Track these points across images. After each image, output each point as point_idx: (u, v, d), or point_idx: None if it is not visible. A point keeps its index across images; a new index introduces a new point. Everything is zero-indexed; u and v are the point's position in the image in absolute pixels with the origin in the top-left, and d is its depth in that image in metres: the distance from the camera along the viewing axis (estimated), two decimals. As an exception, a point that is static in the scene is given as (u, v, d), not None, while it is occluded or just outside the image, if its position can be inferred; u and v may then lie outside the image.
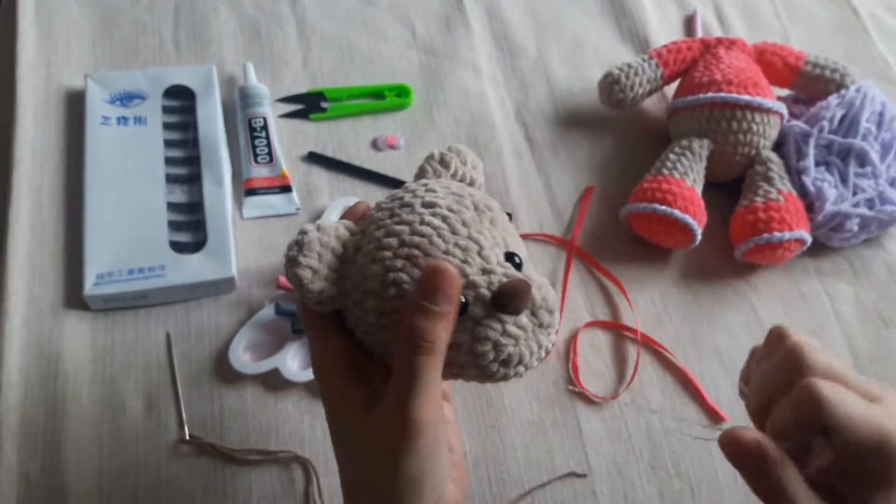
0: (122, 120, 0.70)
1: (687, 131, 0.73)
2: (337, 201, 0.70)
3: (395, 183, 0.72)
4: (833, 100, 0.73)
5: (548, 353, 0.43)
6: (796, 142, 0.72)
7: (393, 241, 0.41)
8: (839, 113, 0.71)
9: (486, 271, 0.41)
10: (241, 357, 0.61)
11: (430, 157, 0.48)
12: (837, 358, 0.40)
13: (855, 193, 0.70)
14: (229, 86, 0.76)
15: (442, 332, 0.40)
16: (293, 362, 0.61)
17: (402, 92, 0.78)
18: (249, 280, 0.66)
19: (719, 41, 0.77)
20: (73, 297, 0.63)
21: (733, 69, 0.72)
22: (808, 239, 0.68)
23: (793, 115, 0.75)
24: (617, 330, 0.67)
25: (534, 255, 0.70)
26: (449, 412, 0.52)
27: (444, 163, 0.47)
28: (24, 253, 0.64)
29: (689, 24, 0.90)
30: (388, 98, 0.77)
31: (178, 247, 0.64)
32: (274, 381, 0.61)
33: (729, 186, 0.73)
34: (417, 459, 0.41)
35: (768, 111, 0.71)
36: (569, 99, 0.81)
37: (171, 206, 0.67)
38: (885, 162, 0.71)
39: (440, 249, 0.41)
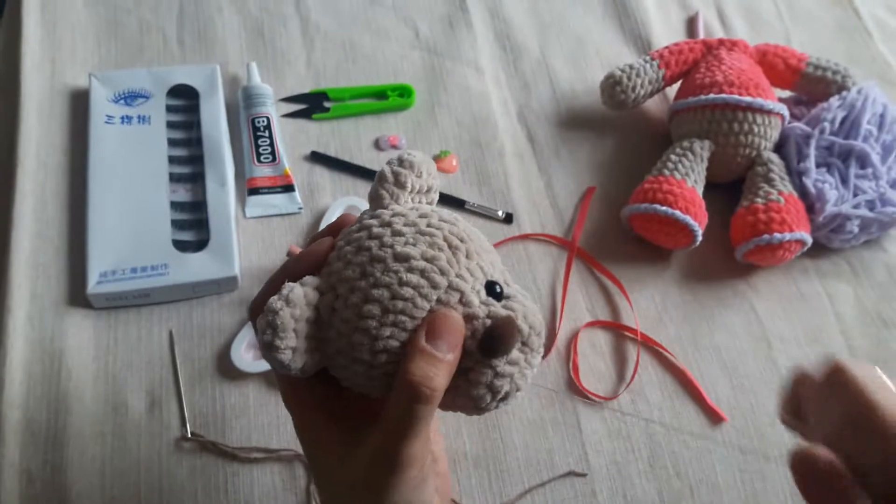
0: (126, 119, 0.70)
1: (688, 132, 0.73)
2: (339, 201, 0.70)
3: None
4: (834, 101, 0.73)
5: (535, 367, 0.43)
6: (797, 143, 0.72)
7: (374, 309, 0.38)
8: (840, 114, 0.72)
9: (469, 317, 0.40)
10: (244, 355, 0.61)
11: (382, 179, 0.43)
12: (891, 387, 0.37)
13: (855, 195, 0.70)
14: (233, 85, 0.76)
15: (444, 380, 0.39)
16: (295, 361, 0.62)
17: (404, 92, 0.78)
18: (252, 279, 0.66)
19: (721, 42, 0.77)
20: (77, 295, 0.63)
21: (735, 70, 0.73)
22: (809, 240, 0.68)
23: (794, 116, 0.76)
24: (617, 330, 0.67)
25: (535, 255, 0.71)
26: (434, 422, 0.51)
27: (399, 183, 0.43)
28: (27, 251, 0.64)
29: (691, 25, 0.90)
30: (390, 98, 0.78)
31: (180, 245, 0.65)
32: (275, 380, 0.61)
33: (730, 187, 0.73)
34: (405, 491, 0.40)
35: (769, 112, 0.71)
36: (571, 99, 0.82)
37: (175, 205, 0.67)
38: (886, 164, 0.71)
39: (425, 310, 0.39)
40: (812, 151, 0.71)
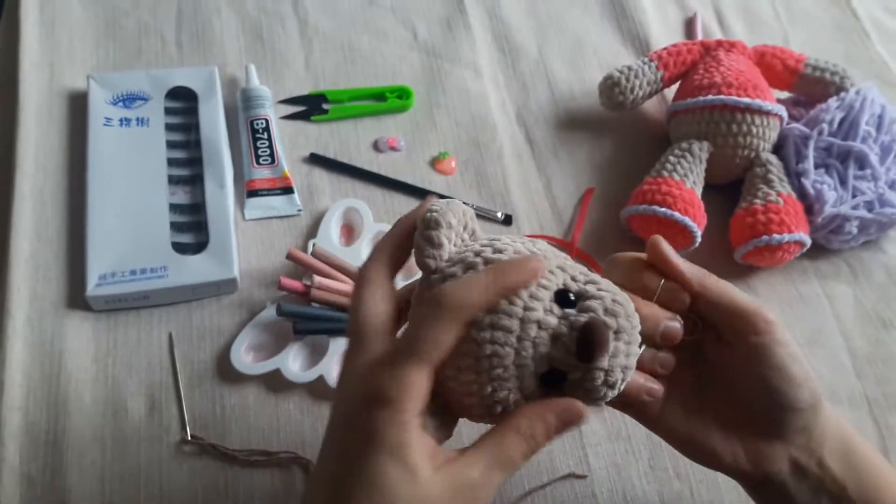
0: (125, 121, 0.70)
1: (687, 133, 0.73)
2: (338, 203, 0.70)
3: (396, 184, 0.73)
4: (833, 102, 0.73)
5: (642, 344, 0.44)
6: (796, 144, 0.72)
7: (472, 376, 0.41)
8: (839, 115, 0.72)
9: (556, 337, 0.41)
10: (243, 358, 0.61)
11: (418, 250, 0.44)
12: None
13: (854, 196, 0.70)
14: (231, 87, 0.76)
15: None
16: (295, 363, 0.62)
17: (403, 94, 0.78)
18: (251, 281, 0.66)
19: (719, 43, 0.77)
20: (76, 297, 0.63)
21: (733, 71, 0.73)
22: (808, 241, 0.69)
23: (792, 117, 0.76)
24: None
25: (534, 256, 0.71)
26: None
27: (434, 245, 0.43)
28: (26, 253, 0.64)
29: (689, 26, 0.90)
30: (389, 100, 0.78)
31: (180, 248, 0.65)
32: (275, 382, 0.61)
33: (728, 188, 0.73)
34: None
35: (768, 113, 0.71)
36: (569, 101, 0.82)
37: (174, 208, 0.67)
38: (885, 164, 0.71)
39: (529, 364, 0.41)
40: (811, 152, 0.71)
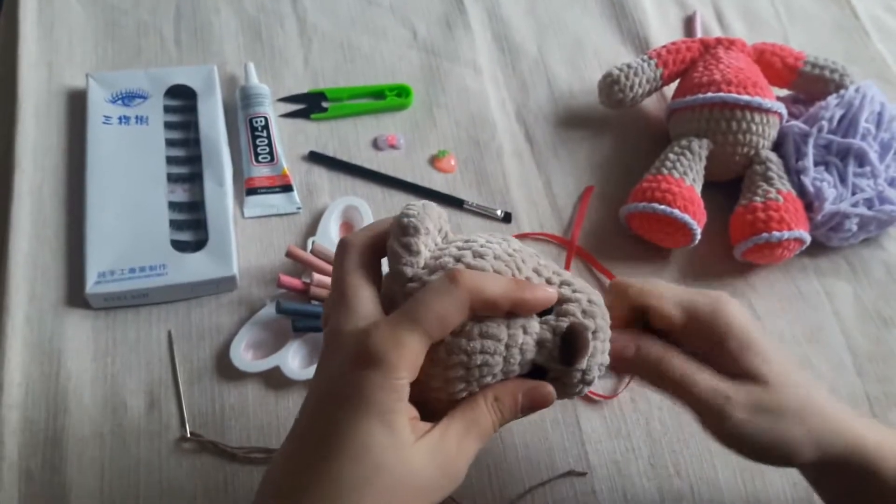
0: (124, 119, 0.70)
1: (686, 131, 0.73)
2: (337, 201, 0.70)
3: (395, 182, 0.73)
4: (832, 100, 0.73)
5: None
6: (795, 142, 0.72)
7: (461, 372, 0.41)
8: (838, 113, 0.72)
9: (541, 343, 0.42)
10: (243, 355, 0.61)
11: (394, 256, 0.43)
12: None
13: (854, 193, 0.70)
14: (230, 85, 0.76)
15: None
16: (294, 361, 0.62)
17: (402, 92, 0.78)
18: (250, 279, 0.66)
19: (719, 41, 0.77)
20: (75, 295, 0.63)
21: (733, 69, 0.73)
22: (807, 238, 0.69)
23: (792, 115, 0.76)
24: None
25: (534, 254, 0.71)
26: None
27: (411, 252, 0.42)
28: (25, 251, 0.64)
29: (688, 24, 0.90)
30: (388, 98, 0.78)
31: (179, 246, 0.65)
32: (275, 380, 0.61)
33: (728, 186, 0.73)
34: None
35: (767, 111, 0.71)
36: (569, 99, 0.82)
37: (173, 206, 0.67)
38: (884, 162, 0.71)
39: (501, 360, 0.41)
40: (810, 150, 0.71)
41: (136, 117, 0.71)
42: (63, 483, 0.55)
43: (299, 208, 0.70)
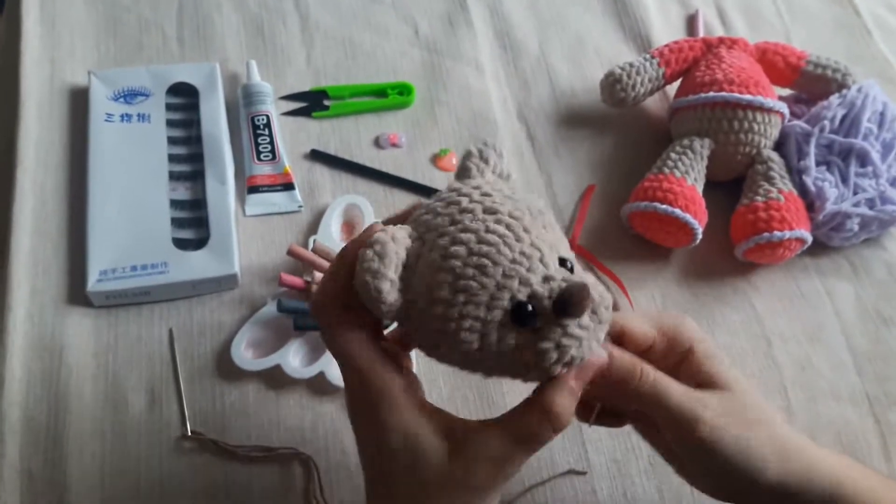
0: (126, 117, 0.70)
1: (688, 130, 0.73)
2: (339, 199, 0.70)
3: (397, 181, 0.73)
4: (834, 99, 0.73)
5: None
6: (797, 141, 0.72)
7: (460, 250, 0.40)
8: (840, 112, 0.71)
9: (546, 278, 0.41)
10: (244, 354, 0.61)
11: (470, 156, 0.46)
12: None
13: (855, 193, 0.70)
14: (233, 83, 0.76)
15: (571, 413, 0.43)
16: (295, 359, 0.62)
17: (404, 90, 0.78)
18: (252, 277, 0.66)
19: (721, 41, 0.77)
20: (76, 293, 0.63)
21: (735, 68, 0.73)
22: (809, 238, 0.68)
23: (794, 114, 0.75)
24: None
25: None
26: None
27: (484, 159, 0.46)
28: (27, 249, 0.64)
29: (691, 23, 0.90)
30: (390, 96, 0.78)
31: (180, 244, 0.65)
32: (276, 378, 0.61)
33: (730, 185, 0.73)
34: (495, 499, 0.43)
35: (769, 111, 0.71)
36: (570, 97, 0.82)
37: (174, 203, 0.67)
38: (886, 162, 0.71)
39: (507, 258, 0.40)
40: (812, 149, 0.71)
41: (138, 115, 0.71)
42: (63, 480, 0.56)
43: (301, 206, 0.71)
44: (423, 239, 0.42)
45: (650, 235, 0.71)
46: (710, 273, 0.71)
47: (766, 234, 0.67)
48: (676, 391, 0.44)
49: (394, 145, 0.75)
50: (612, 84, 0.76)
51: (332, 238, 0.68)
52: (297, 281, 0.63)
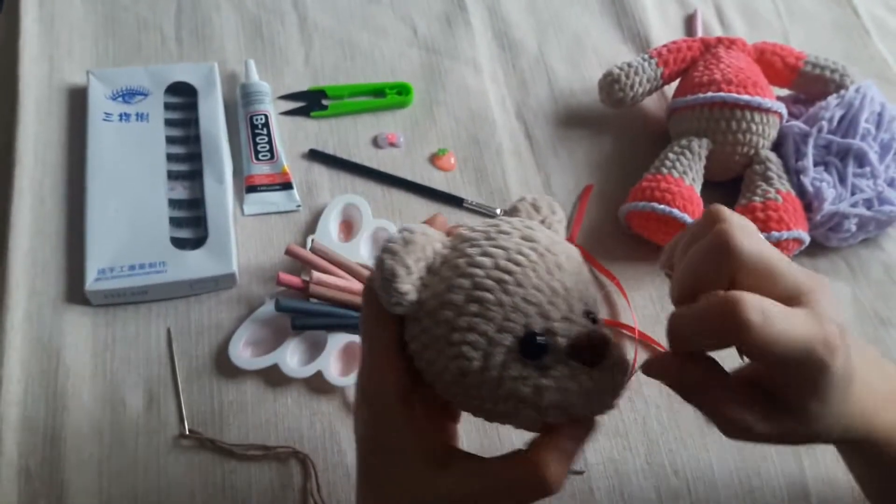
0: (124, 116, 0.70)
1: (686, 130, 0.73)
2: (337, 198, 0.70)
3: (395, 180, 0.73)
4: (832, 100, 0.73)
5: (609, 409, 0.41)
6: (795, 142, 0.72)
7: (487, 261, 0.39)
8: (838, 113, 0.72)
9: (567, 319, 0.39)
10: (242, 353, 0.61)
11: (523, 199, 0.46)
12: (767, 242, 0.38)
13: (853, 193, 0.70)
14: (231, 83, 0.76)
15: None
16: (293, 358, 0.62)
17: (402, 90, 0.78)
18: (250, 276, 0.66)
19: (719, 41, 0.77)
20: (75, 292, 0.63)
21: (733, 69, 0.73)
22: (807, 239, 0.69)
23: (792, 115, 0.76)
24: (615, 328, 0.67)
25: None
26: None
27: (536, 207, 0.45)
28: (25, 248, 0.64)
29: (689, 23, 0.90)
30: (388, 96, 0.78)
31: (179, 243, 0.65)
32: (274, 377, 0.61)
33: (728, 186, 0.73)
34: None
35: (767, 111, 0.71)
36: (569, 97, 0.82)
37: (173, 203, 0.67)
38: (884, 162, 0.71)
39: (531, 284, 0.39)
40: (810, 150, 0.71)
41: (137, 114, 0.71)
42: (62, 480, 0.56)
43: (299, 206, 0.71)
44: (455, 248, 0.41)
45: (648, 235, 0.71)
46: (707, 273, 0.71)
47: (763, 235, 0.67)
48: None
49: (392, 145, 0.75)
50: (610, 84, 0.76)
51: (331, 237, 0.68)
52: (295, 280, 0.63)
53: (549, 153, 0.77)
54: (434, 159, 0.75)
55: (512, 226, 0.42)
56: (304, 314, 0.62)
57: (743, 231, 0.37)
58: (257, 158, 0.71)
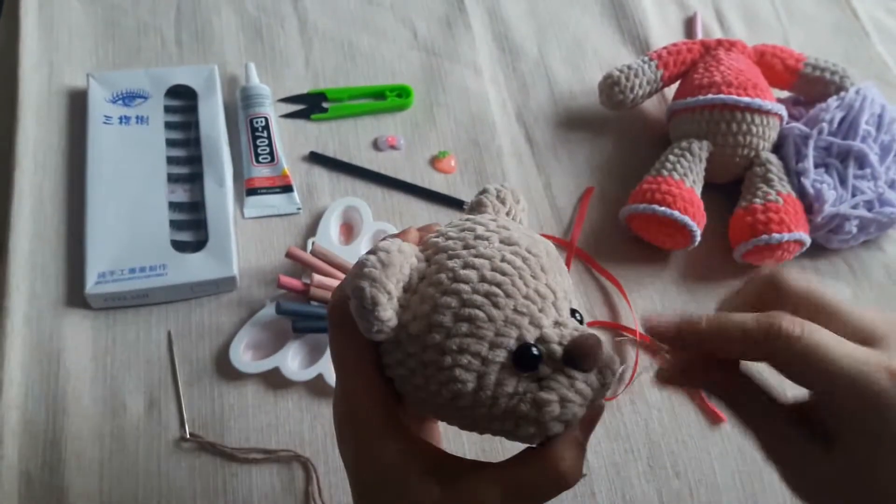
0: (125, 119, 0.70)
1: (686, 132, 0.73)
2: (338, 201, 0.70)
3: (395, 183, 0.73)
4: (832, 102, 0.73)
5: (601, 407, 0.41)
6: (795, 143, 0.72)
7: (471, 275, 0.37)
8: (838, 115, 0.72)
9: (558, 324, 0.38)
10: (242, 356, 0.61)
11: (487, 192, 0.43)
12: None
13: (854, 195, 0.70)
14: (231, 86, 0.76)
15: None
16: (294, 361, 0.62)
17: (402, 92, 0.78)
18: (250, 279, 0.66)
19: (719, 43, 0.77)
20: (75, 295, 0.63)
21: (733, 71, 0.73)
22: (807, 240, 0.69)
23: (792, 116, 0.76)
24: (616, 330, 0.67)
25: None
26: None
27: (500, 199, 0.43)
28: (25, 251, 0.64)
29: (689, 25, 0.90)
30: (388, 98, 0.78)
31: (179, 246, 0.65)
32: (274, 380, 0.61)
33: (728, 188, 0.73)
34: None
35: (768, 113, 0.71)
36: (569, 100, 0.82)
37: (173, 206, 0.67)
38: (884, 164, 0.71)
39: (521, 294, 0.37)
40: (810, 152, 0.71)
41: (137, 117, 0.71)
42: (62, 484, 0.55)
43: (299, 209, 0.70)
44: (431, 261, 0.38)
45: (649, 238, 0.71)
46: (708, 275, 0.71)
47: (764, 237, 0.67)
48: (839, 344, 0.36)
49: (392, 147, 0.75)
50: (610, 86, 0.76)
51: (331, 240, 0.68)
52: (295, 283, 0.63)
53: (549, 155, 0.77)
54: (434, 162, 0.75)
55: (487, 228, 0.39)
56: (305, 317, 0.62)
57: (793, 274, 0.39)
58: (258, 161, 0.71)
